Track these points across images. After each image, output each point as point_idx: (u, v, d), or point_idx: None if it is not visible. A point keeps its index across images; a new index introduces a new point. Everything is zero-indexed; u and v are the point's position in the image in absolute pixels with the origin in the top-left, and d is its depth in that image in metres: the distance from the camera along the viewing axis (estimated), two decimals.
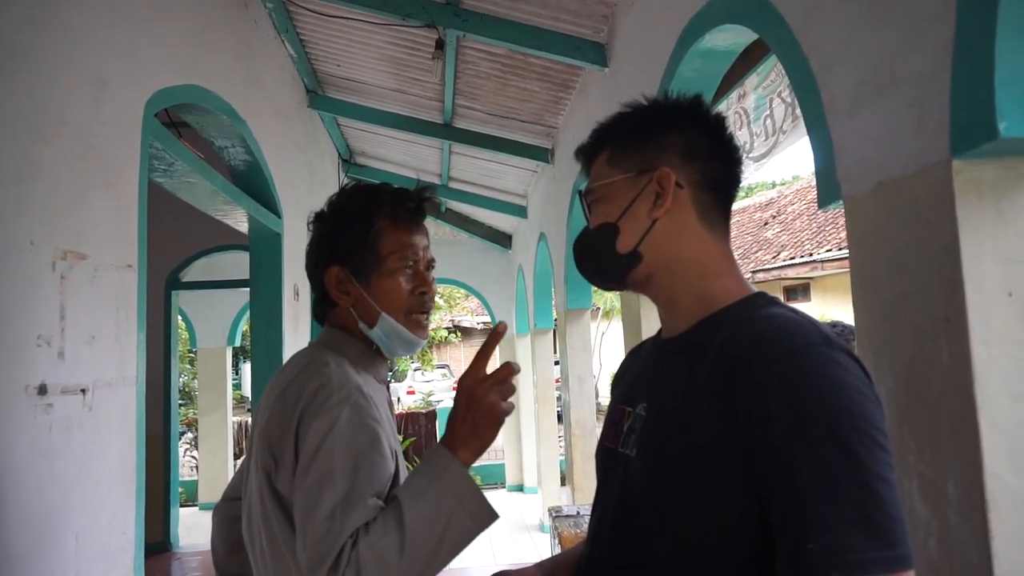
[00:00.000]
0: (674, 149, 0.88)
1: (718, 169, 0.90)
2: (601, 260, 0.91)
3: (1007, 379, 1.03)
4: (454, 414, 1.00)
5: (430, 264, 1.19)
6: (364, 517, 0.92)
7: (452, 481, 0.95)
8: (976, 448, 1.03)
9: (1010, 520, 1.01)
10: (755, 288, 0.89)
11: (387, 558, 0.88)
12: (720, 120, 0.93)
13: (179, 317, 7.03)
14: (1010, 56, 0.98)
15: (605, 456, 0.93)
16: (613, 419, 0.93)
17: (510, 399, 1.01)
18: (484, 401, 0.97)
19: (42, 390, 1.72)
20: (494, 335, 1.02)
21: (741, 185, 0.97)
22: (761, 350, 0.73)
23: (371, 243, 1.12)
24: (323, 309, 1.19)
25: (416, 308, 1.15)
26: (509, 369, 0.99)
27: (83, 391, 1.90)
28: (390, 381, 1.24)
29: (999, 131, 0.98)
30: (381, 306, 1.11)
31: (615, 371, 1.08)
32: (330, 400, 0.99)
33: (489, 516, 0.97)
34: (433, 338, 18.83)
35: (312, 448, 0.96)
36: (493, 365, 1.01)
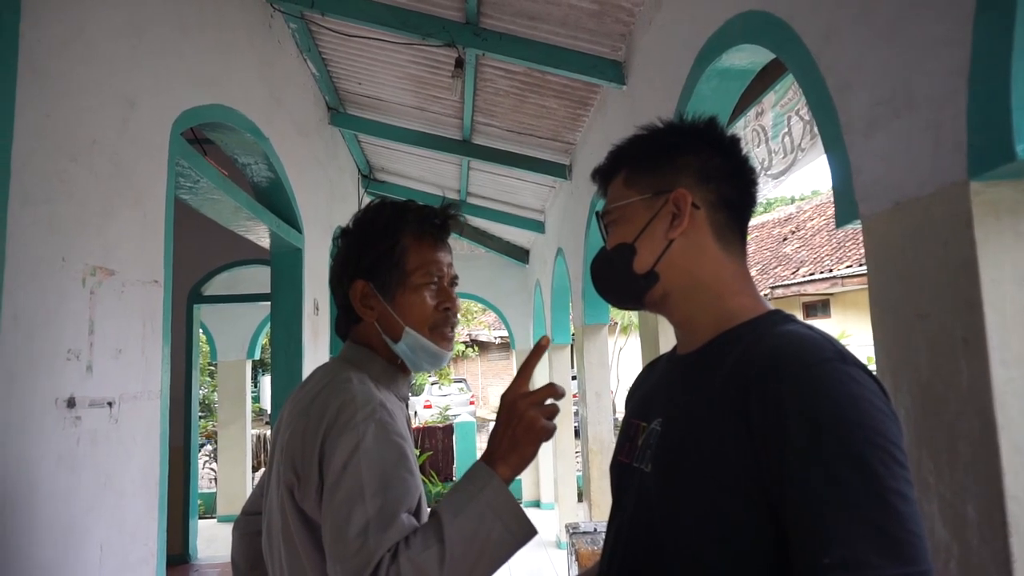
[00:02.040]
0: (690, 171, 0.90)
1: (733, 190, 0.91)
2: (618, 280, 0.93)
3: None
4: (495, 429, 1.01)
5: (454, 280, 1.20)
6: (401, 533, 0.92)
7: (492, 497, 0.95)
8: (996, 470, 1.02)
9: None
10: (772, 306, 0.90)
11: (428, 571, 0.88)
12: (735, 141, 0.94)
13: (200, 330, 7.12)
14: None
15: (620, 471, 0.94)
16: (628, 434, 0.94)
17: (553, 421, 1.01)
18: (525, 416, 0.98)
19: (71, 403, 1.76)
20: (538, 349, 1.03)
21: (757, 205, 0.98)
22: (776, 365, 0.73)
23: (397, 258, 1.13)
24: (346, 324, 1.19)
25: (440, 323, 1.16)
26: (553, 390, 1.00)
27: (110, 404, 1.94)
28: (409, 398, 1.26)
29: (1016, 153, 0.99)
30: (406, 321, 1.12)
31: (630, 386, 1.09)
32: (355, 417, 0.99)
33: (528, 532, 0.97)
34: None
35: (339, 466, 0.96)
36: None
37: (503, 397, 1.02)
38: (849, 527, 0.64)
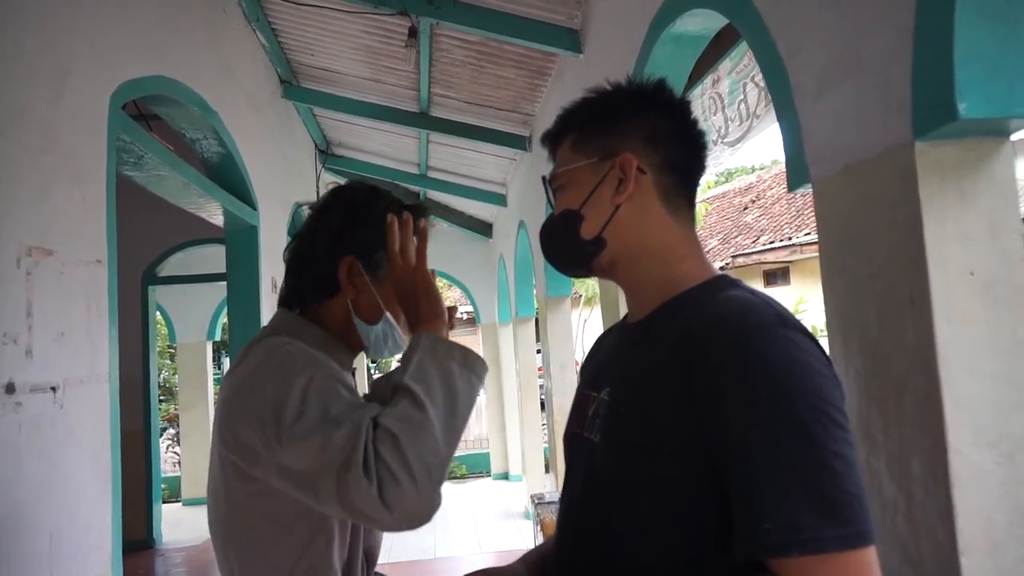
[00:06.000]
0: (637, 134, 0.88)
1: (682, 153, 0.90)
2: (565, 247, 0.91)
3: (969, 357, 1.05)
4: (406, 305, 1.07)
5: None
6: (372, 411, 0.90)
7: (430, 343, 0.99)
8: (940, 425, 1.04)
9: (973, 496, 1.03)
10: (720, 271, 0.89)
11: (409, 415, 0.88)
12: (684, 104, 0.93)
13: (157, 312, 6.94)
14: (969, 36, 0.99)
15: (572, 442, 0.93)
16: (579, 404, 0.94)
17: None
18: (421, 278, 1.07)
19: (9, 389, 1.69)
20: (421, 233, 1.11)
21: (707, 169, 0.97)
22: (716, 332, 0.73)
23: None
24: (313, 297, 1.14)
25: None
26: (424, 237, 1.11)
27: (53, 389, 1.87)
28: (371, 369, 1.24)
29: (959, 112, 0.99)
30: (387, 305, 1.12)
31: (584, 356, 1.08)
32: (296, 367, 0.96)
33: (478, 360, 1.02)
34: None
35: (296, 405, 0.91)
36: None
37: (400, 279, 1.07)
38: (789, 491, 0.65)
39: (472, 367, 0.99)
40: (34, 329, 1.79)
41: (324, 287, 1.13)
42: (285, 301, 1.17)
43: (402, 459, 0.85)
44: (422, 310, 1.05)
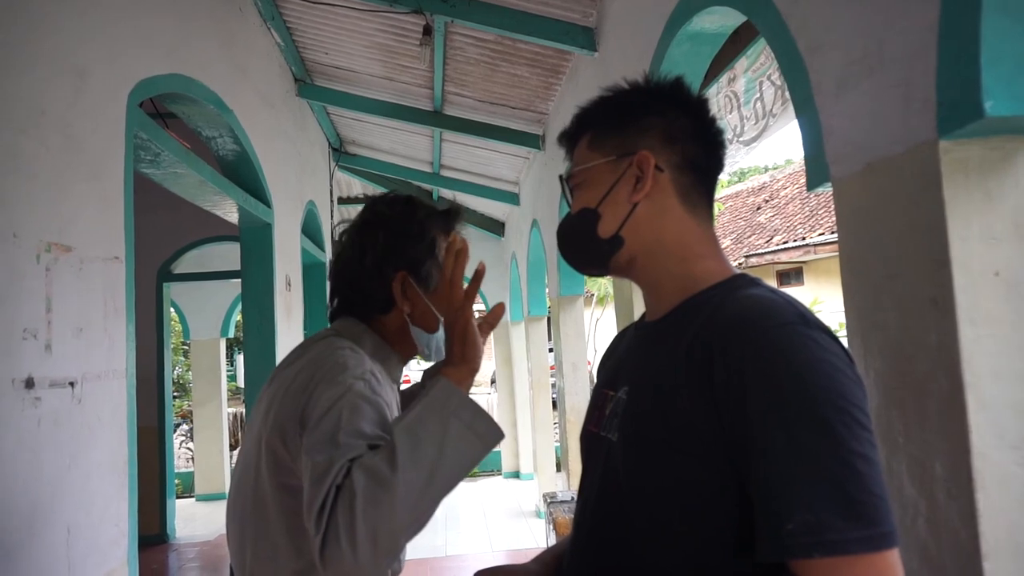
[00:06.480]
0: (654, 132, 0.87)
1: (699, 151, 0.89)
2: (583, 245, 0.91)
3: (993, 359, 1.03)
4: (446, 340, 1.08)
5: None
6: (356, 451, 0.91)
7: (441, 395, 0.97)
8: (963, 428, 1.03)
9: (996, 499, 1.01)
10: (739, 270, 0.88)
11: (379, 471, 0.87)
12: (702, 102, 0.92)
13: (172, 309, 7.00)
14: (995, 34, 0.97)
15: (589, 441, 0.93)
16: (596, 403, 0.93)
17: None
18: (459, 318, 1.05)
19: (29, 384, 1.70)
20: (476, 275, 1.10)
21: (724, 167, 0.96)
22: (737, 331, 0.72)
23: (435, 252, 1.16)
24: (368, 312, 1.17)
25: None
26: (479, 275, 1.09)
27: (71, 384, 1.88)
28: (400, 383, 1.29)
29: (985, 110, 0.97)
30: (440, 311, 1.14)
31: (601, 356, 1.08)
32: (344, 374, 1.00)
33: (491, 426, 0.98)
34: None
35: (321, 412, 0.95)
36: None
37: (445, 312, 1.08)
38: (812, 491, 0.64)
39: (478, 431, 0.96)
40: (53, 324, 1.81)
41: (378, 304, 1.16)
42: (339, 314, 1.19)
43: (350, 520, 0.84)
44: (454, 352, 1.05)
